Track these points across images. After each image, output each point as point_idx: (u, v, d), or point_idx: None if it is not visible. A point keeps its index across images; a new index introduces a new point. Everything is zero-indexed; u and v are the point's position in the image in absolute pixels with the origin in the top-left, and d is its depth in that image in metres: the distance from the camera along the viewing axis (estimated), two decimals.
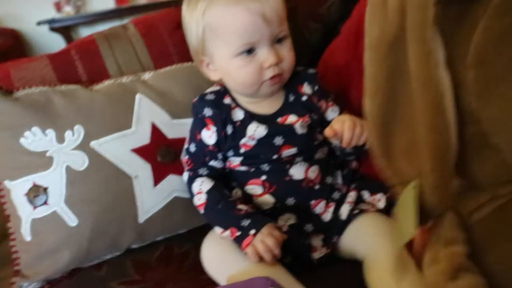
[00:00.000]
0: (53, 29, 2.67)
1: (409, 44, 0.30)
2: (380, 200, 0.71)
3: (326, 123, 0.72)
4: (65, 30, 2.72)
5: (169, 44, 0.92)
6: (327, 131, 0.67)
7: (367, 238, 0.65)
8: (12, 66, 0.85)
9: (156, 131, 0.78)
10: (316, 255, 0.68)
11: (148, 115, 0.78)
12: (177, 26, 0.88)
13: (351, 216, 0.69)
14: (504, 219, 0.38)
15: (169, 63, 0.88)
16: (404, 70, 0.31)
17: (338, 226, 0.69)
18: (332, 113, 0.76)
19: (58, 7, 2.73)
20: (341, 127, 0.66)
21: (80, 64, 0.88)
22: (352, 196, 0.72)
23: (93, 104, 0.77)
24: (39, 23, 2.62)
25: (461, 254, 0.38)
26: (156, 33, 0.92)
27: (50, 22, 2.65)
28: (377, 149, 0.37)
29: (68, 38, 2.73)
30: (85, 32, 2.89)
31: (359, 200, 0.72)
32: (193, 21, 0.72)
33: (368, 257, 0.63)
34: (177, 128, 0.79)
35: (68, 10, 2.72)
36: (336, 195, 0.72)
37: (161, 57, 0.90)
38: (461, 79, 0.31)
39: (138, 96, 0.79)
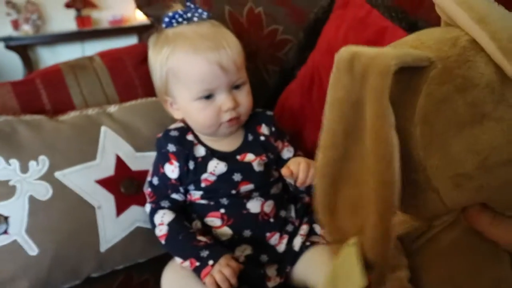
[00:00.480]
0: (8, 47, 2.61)
1: (367, 105, 0.34)
2: None
3: (282, 161, 0.79)
4: (22, 49, 2.67)
5: (134, 77, 0.95)
6: (284, 171, 0.73)
7: (318, 268, 0.70)
8: None
9: (120, 163, 0.81)
10: (271, 284, 0.72)
11: (112, 147, 0.81)
12: (143, 60, 0.90)
13: (303, 248, 0.74)
14: (436, 246, 0.44)
15: (134, 96, 0.90)
16: (360, 128, 0.35)
17: (291, 257, 0.74)
18: (287, 152, 0.82)
19: (15, 25, 2.68)
20: (296, 168, 0.72)
21: (45, 93, 0.88)
22: (304, 229, 0.77)
23: (59, 135, 0.79)
24: None
25: (404, 278, 0.43)
26: (122, 66, 0.94)
27: (6, 40, 2.59)
28: (321, 204, 0.39)
29: (25, 58, 2.67)
30: (43, 52, 2.84)
31: (311, 232, 0.77)
32: (157, 64, 0.77)
33: (318, 286, 0.69)
34: (141, 160, 0.82)
35: (27, 29, 2.67)
36: (289, 227, 0.77)
37: (126, 90, 0.92)
38: (411, 135, 0.36)
39: (103, 129, 0.82)
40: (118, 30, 2.71)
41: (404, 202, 0.40)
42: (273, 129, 0.82)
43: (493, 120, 0.35)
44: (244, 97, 0.77)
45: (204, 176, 0.75)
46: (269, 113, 0.84)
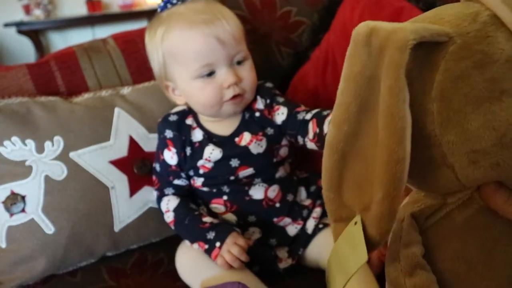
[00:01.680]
0: (20, 32, 2.63)
1: (382, 80, 0.34)
2: None
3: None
4: (33, 33, 2.68)
5: (147, 60, 0.95)
6: None
7: (330, 250, 0.70)
8: None
9: (133, 144, 0.82)
10: (282, 265, 0.72)
11: (126, 128, 0.82)
12: None
13: (316, 230, 0.74)
14: (450, 224, 0.44)
15: (147, 78, 0.91)
16: (374, 103, 0.35)
17: (304, 239, 0.74)
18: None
19: (27, 9, 2.69)
20: None
21: (59, 75, 0.89)
22: (317, 211, 0.77)
23: (73, 116, 0.80)
24: (6, 25, 2.57)
25: (417, 254, 0.43)
26: (135, 49, 0.95)
27: (18, 24, 2.60)
28: (329, 179, 0.39)
29: (37, 42, 2.68)
30: (54, 37, 2.85)
31: (323, 214, 0.77)
32: (153, 48, 0.76)
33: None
34: (154, 142, 0.82)
35: (38, 13, 2.68)
36: (299, 212, 0.76)
37: (140, 72, 0.92)
38: (427, 111, 0.36)
39: (116, 110, 0.83)
40: (128, 15, 2.70)
41: (417, 178, 0.40)
42: (268, 101, 0.77)
43: None
44: (247, 72, 0.73)
45: (200, 162, 0.74)
46: (267, 84, 0.79)
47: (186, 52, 0.71)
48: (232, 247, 0.67)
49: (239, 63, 0.73)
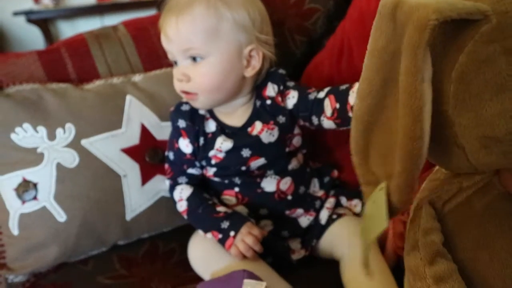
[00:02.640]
0: (30, 21, 2.62)
1: (402, 59, 0.33)
2: (357, 206, 0.76)
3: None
4: (42, 22, 2.67)
5: (158, 47, 0.93)
6: None
7: (344, 240, 0.69)
8: None
9: (145, 132, 0.81)
10: (295, 256, 0.71)
11: (138, 116, 0.81)
12: None
13: (330, 221, 0.73)
14: (469, 210, 0.44)
15: (158, 66, 0.90)
16: (396, 79, 0.34)
17: (317, 230, 0.73)
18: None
19: None
20: None
21: (70, 62, 0.88)
22: (331, 202, 0.76)
23: (84, 103, 0.79)
24: (15, 14, 2.57)
25: (437, 242, 0.43)
26: (147, 36, 0.94)
27: (27, 13, 2.59)
28: (356, 146, 0.40)
29: (46, 31, 2.68)
30: (63, 26, 2.85)
31: (336, 205, 0.76)
32: None
33: (344, 257, 0.68)
34: (166, 130, 0.81)
35: (47, 2, 2.67)
36: (312, 203, 0.76)
37: (150, 60, 0.91)
38: (443, 90, 0.35)
39: (128, 97, 0.82)
40: (137, 4, 2.68)
41: (434, 154, 0.40)
42: (281, 87, 0.74)
43: None
44: (198, 72, 0.69)
45: (212, 153, 0.73)
46: (280, 71, 0.76)
47: None
48: (246, 237, 0.66)
49: (195, 59, 0.70)
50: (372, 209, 0.39)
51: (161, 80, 0.86)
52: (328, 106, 0.67)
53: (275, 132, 0.73)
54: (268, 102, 0.74)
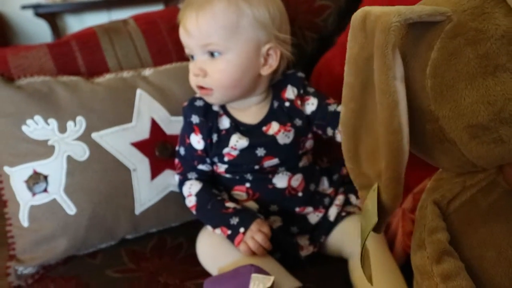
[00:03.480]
0: (38, 15, 2.63)
1: (374, 60, 0.36)
2: None
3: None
4: (50, 16, 2.67)
5: (168, 42, 0.94)
6: None
7: (352, 238, 0.69)
8: (10, 52, 0.85)
9: (155, 126, 0.81)
10: (304, 253, 0.71)
11: (148, 110, 0.81)
12: (176, 25, 0.90)
13: (339, 218, 0.73)
14: (475, 209, 0.45)
15: (168, 60, 0.90)
16: (373, 83, 0.37)
17: (325, 227, 0.73)
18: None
19: None
20: None
21: (80, 55, 0.88)
22: (340, 199, 0.75)
23: (95, 97, 0.79)
24: (23, 7, 2.57)
25: (443, 240, 0.44)
26: (156, 30, 0.94)
27: (35, 7, 2.60)
28: (347, 152, 0.43)
29: (53, 25, 2.68)
30: (70, 20, 2.85)
31: (346, 202, 0.76)
32: None
33: (353, 256, 0.68)
34: (176, 125, 0.81)
35: None
36: (321, 200, 0.76)
37: (160, 54, 0.91)
38: (423, 87, 0.39)
39: (138, 92, 0.82)
40: None
41: (427, 153, 0.43)
42: (301, 91, 0.75)
43: (508, 71, 0.35)
44: (215, 69, 0.70)
45: (226, 150, 0.73)
46: (299, 74, 0.77)
47: None
48: (256, 234, 0.66)
49: (212, 54, 0.70)
50: (368, 209, 0.41)
51: (172, 75, 0.86)
52: None
53: (291, 134, 0.73)
54: (287, 104, 0.75)
